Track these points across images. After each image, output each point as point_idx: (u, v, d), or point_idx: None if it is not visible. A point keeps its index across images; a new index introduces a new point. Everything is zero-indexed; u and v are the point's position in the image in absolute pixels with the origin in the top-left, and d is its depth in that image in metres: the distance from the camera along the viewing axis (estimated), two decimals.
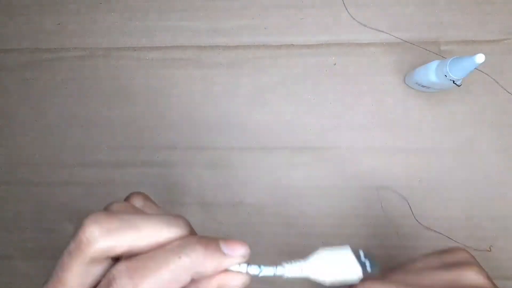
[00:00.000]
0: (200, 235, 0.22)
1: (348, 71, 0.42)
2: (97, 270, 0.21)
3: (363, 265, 0.24)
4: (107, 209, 0.22)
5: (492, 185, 0.40)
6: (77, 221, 0.20)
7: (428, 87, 0.38)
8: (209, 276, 0.21)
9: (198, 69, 0.43)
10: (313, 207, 0.41)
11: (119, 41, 0.43)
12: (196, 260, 0.20)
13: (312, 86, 0.42)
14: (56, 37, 0.44)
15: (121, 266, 0.20)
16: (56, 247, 0.43)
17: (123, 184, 0.43)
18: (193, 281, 0.21)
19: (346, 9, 0.42)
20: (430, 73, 0.36)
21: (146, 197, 0.25)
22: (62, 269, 0.20)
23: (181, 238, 0.21)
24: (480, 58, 0.31)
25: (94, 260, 0.20)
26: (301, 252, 0.41)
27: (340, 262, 0.24)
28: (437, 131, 0.41)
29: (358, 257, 0.24)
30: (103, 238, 0.20)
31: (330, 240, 0.41)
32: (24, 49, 0.44)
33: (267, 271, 0.23)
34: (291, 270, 0.23)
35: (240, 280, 0.22)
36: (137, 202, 0.25)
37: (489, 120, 0.40)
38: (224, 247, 0.22)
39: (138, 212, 0.23)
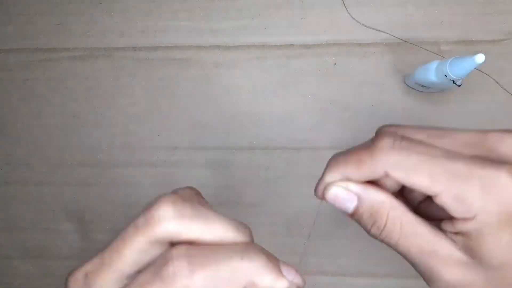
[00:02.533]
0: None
1: (348, 71, 0.42)
2: (153, 252, 0.20)
3: None
4: (176, 194, 0.21)
5: None
6: (146, 206, 0.20)
7: (428, 87, 0.38)
8: None
9: (198, 69, 0.43)
10: (313, 207, 0.41)
11: (119, 41, 0.43)
12: (256, 267, 0.20)
13: (312, 86, 0.42)
14: (56, 37, 0.44)
15: (181, 249, 0.19)
16: (56, 247, 0.43)
17: (123, 184, 0.43)
18: None
19: (346, 9, 0.42)
20: (430, 73, 0.36)
21: (199, 193, 0.25)
22: (123, 241, 0.20)
23: (245, 243, 0.21)
24: (480, 58, 0.31)
25: (158, 241, 0.20)
26: (301, 252, 0.41)
27: None
28: None
29: None
30: (175, 220, 0.20)
31: (331, 240, 0.41)
32: (24, 49, 0.44)
33: None
34: None
35: None
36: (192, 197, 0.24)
37: (489, 120, 0.40)
38: (283, 267, 0.21)
39: (206, 206, 0.22)
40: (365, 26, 0.42)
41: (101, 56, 0.43)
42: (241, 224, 0.22)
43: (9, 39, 0.44)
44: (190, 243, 0.20)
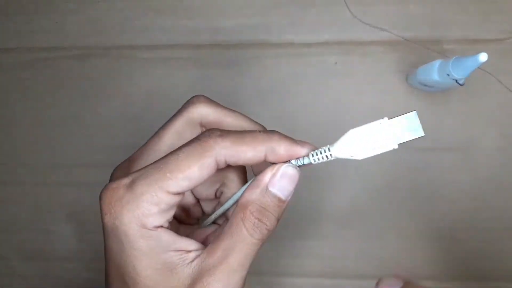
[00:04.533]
0: None
1: (350, 70, 0.41)
2: (187, 135, 0.25)
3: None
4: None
5: (495, 184, 0.39)
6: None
7: (431, 87, 0.38)
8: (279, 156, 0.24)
9: (197, 68, 0.42)
10: (312, 207, 0.40)
11: (117, 40, 0.43)
12: (273, 138, 0.24)
13: (313, 85, 0.41)
14: (54, 36, 0.44)
15: (213, 128, 0.23)
16: (53, 248, 0.43)
17: None
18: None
19: (348, 7, 0.41)
20: (433, 72, 0.35)
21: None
22: (164, 128, 0.26)
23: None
24: (483, 57, 0.30)
25: (192, 122, 0.26)
26: (300, 252, 0.41)
27: (371, 136, 0.24)
28: (440, 130, 0.40)
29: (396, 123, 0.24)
30: (207, 105, 0.26)
31: (330, 240, 0.41)
32: (22, 48, 0.44)
33: (296, 162, 0.25)
34: (319, 157, 0.25)
35: (290, 170, 0.25)
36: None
37: (492, 119, 0.40)
38: (298, 141, 0.25)
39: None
40: (367, 24, 0.41)
41: (99, 55, 0.43)
42: (258, 125, 0.27)
43: (6, 38, 0.44)
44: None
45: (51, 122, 0.43)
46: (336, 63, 0.41)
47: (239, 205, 0.23)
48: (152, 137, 0.26)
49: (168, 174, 0.21)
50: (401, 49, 0.41)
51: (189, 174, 0.21)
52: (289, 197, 0.24)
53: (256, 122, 0.27)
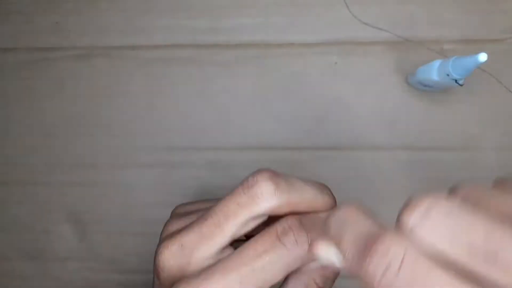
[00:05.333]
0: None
1: (349, 70, 0.41)
2: (254, 224, 0.22)
3: None
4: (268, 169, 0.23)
5: None
6: (253, 175, 0.22)
7: (431, 87, 0.38)
8: None
9: (197, 68, 0.42)
10: None
11: (117, 40, 0.43)
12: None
13: (313, 85, 0.41)
14: (53, 36, 0.44)
15: (295, 220, 0.21)
16: (54, 248, 0.43)
17: (121, 185, 0.42)
18: None
19: (348, 7, 0.41)
20: (432, 72, 0.35)
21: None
22: (226, 217, 0.22)
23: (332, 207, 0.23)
24: (482, 57, 0.30)
25: (260, 215, 0.22)
26: None
27: None
28: (440, 130, 0.40)
29: None
30: (276, 196, 0.21)
31: None
32: (21, 48, 0.44)
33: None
34: None
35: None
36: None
37: (492, 119, 0.40)
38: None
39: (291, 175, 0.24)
40: (367, 24, 0.41)
41: (100, 55, 0.43)
42: (323, 187, 0.24)
43: (6, 38, 0.44)
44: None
45: (51, 122, 0.43)
46: (336, 63, 0.41)
47: (301, 271, 0.22)
48: (209, 223, 0.22)
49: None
50: (401, 49, 0.41)
51: (267, 286, 0.21)
52: None
53: (324, 192, 0.23)
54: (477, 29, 0.40)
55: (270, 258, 0.21)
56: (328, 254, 0.19)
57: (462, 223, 0.15)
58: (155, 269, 0.23)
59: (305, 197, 0.22)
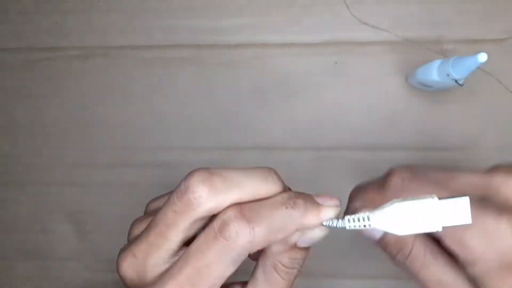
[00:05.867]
0: (295, 191, 0.23)
1: (349, 70, 0.41)
2: (198, 225, 0.22)
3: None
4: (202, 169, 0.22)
5: None
6: (186, 178, 0.21)
7: (431, 86, 0.38)
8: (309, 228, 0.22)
9: (197, 68, 0.42)
10: None
11: (117, 40, 0.43)
12: (299, 211, 0.21)
13: (313, 85, 0.41)
14: (53, 36, 0.44)
15: (234, 211, 0.21)
16: (53, 248, 0.43)
17: (121, 185, 0.42)
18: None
19: (348, 7, 0.41)
20: (432, 72, 0.35)
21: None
22: (167, 226, 0.21)
23: (278, 193, 0.22)
24: (482, 57, 0.30)
25: (201, 218, 0.21)
26: None
27: (415, 213, 0.22)
28: (440, 130, 0.40)
29: (444, 205, 0.21)
30: (211, 198, 0.21)
31: (330, 241, 0.41)
32: (21, 48, 0.44)
33: (329, 223, 0.23)
34: (353, 222, 0.23)
35: (320, 232, 0.23)
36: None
37: (491, 119, 0.40)
38: (317, 198, 0.23)
39: (231, 167, 0.23)
40: (367, 24, 0.41)
41: (99, 55, 0.43)
42: (267, 172, 0.23)
43: (6, 38, 0.44)
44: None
45: (51, 122, 0.43)
46: (336, 63, 0.41)
47: (267, 260, 0.23)
48: (154, 232, 0.22)
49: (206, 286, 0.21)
50: (401, 49, 0.41)
51: (222, 281, 0.21)
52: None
53: (268, 178, 0.23)
54: (477, 29, 0.40)
55: (213, 254, 0.21)
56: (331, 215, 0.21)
57: None
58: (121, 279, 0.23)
59: (246, 190, 0.22)
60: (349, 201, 0.28)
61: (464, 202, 0.21)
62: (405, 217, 0.22)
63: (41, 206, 0.43)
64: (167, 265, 0.22)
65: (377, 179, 0.26)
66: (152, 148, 0.42)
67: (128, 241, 0.25)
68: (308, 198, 0.22)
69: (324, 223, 0.22)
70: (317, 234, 0.23)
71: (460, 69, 0.33)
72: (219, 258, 0.21)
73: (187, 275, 0.21)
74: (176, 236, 0.21)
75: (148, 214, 0.26)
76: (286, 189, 0.23)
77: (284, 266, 0.23)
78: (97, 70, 0.43)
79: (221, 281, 0.21)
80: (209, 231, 0.21)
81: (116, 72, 0.43)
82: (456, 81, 0.34)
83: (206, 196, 0.21)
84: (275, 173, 0.23)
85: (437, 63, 0.35)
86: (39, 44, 0.44)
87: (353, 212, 0.23)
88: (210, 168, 0.22)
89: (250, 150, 0.41)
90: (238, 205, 0.21)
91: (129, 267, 0.22)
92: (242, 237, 0.20)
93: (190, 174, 0.21)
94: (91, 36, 0.43)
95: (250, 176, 0.22)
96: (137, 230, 0.24)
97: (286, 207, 0.21)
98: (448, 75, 0.34)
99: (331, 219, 0.23)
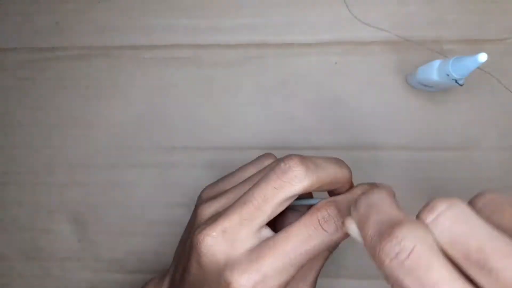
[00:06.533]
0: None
1: (349, 70, 0.41)
2: (287, 203, 0.25)
3: None
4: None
5: (495, 184, 0.39)
6: (280, 159, 0.26)
7: (430, 87, 0.38)
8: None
9: (197, 68, 0.42)
10: None
11: (117, 40, 0.43)
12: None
13: (313, 85, 0.41)
14: (53, 36, 0.44)
15: (334, 208, 0.25)
16: (53, 248, 0.43)
17: (121, 185, 0.42)
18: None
19: (348, 7, 0.41)
20: (432, 72, 0.35)
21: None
22: (265, 200, 0.24)
23: (350, 177, 0.28)
24: (482, 57, 0.30)
25: (294, 195, 0.25)
26: None
27: None
28: (440, 130, 0.40)
29: None
30: (308, 177, 0.24)
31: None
32: (21, 48, 0.44)
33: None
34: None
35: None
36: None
37: (491, 120, 0.40)
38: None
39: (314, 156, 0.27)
40: (367, 24, 0.41)
41: (99, 55, 0.43)
42: (340, 161, 0.28)
43: (6, 38, 0.44)
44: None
45: (51, 122, 0.43)
46: (336, 63, 0.41)
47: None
48: (248, 205, 0.25)
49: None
50: (401, 49, 0.41)
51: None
52: None
53: (341, 165, 0.28)
54: (477, 29, 0.41)
55: (315, 243, 0.24)
56: (353, 231, 0.21)
57: (464, 230, 0.17)
58: (193, 255, 0.24)
59: (330, 172, 0.25)
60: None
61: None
62: None
63: (41, 206, 0.43)
64: (252, 241, 0.24)
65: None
66: (152, 148, 0.42)
67: (197, 225, 0.26)
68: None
69: None
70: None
71: (460, 69, 0.33)
72: (318, 247, 0.24)
73: (290, 256, 0.24)
74: (270, 210, 0.24)
75: (209, 199, 0.28)
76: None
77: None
78: (97, 70, 0.43)
79: (308, 262, 0.25)
80: (311, 221, 0.25)
81: (116, 72, 0.43)
82: (456, 81, 0.34)
83: (303, 175, 0.24)
84: (344, 162, 0.28)
85: (437, 63, 0.35)
86: (39, 44, 0.44)
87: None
88: (301, 155, 0.25)
89: (250, 150, 0.41)
90: (333, 201, 0.25)
91: (215, 242, 0.24)
92: (340, 231, 0.24)
93: (288, 157, 0.25)
94: (91, 36, 0.43)
95: (329, 162, 0.26)
96: (208, 212, 0.26)
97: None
98: (448, 75, 0.34)
99: None
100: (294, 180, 0.24)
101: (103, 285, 0.43)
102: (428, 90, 0.40)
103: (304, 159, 0.25)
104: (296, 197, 0.26)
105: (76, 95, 0.43)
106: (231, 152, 0.42)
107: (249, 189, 0.25)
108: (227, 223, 0.24)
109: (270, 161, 0.30)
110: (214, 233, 0.24)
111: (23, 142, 0.43)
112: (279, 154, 0.41)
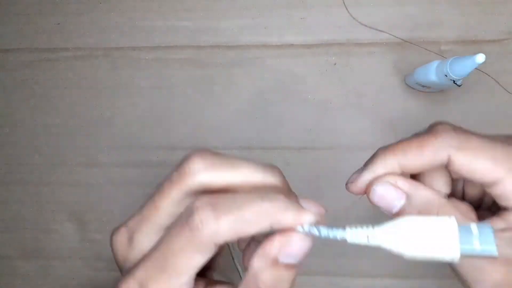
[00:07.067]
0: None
1: (348, 71, 0.41)
2: (187, 203, 0.21)
3: (468, 240, 0.18)
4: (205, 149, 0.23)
5: None
6: (184, 157, 0.23)
7: (429, 87, 0.38)
8: (284, 228, 0.21)
9: (198, 69, 0.43)
10: None
11: (118, 41, 0.43)
12: (277, 207, 0.20)
13: (312, 86, 0.42)
14: (55, 37, 0.44)
15: (204, 199, 0.20)
16: (55, 247, 0.43)
17: (122, 185, 0.42)
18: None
19: (347, 9, 0.42)
20: (430, 73, 0.36)
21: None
22: (160, 196, 0.22)
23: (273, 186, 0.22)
24: (480, 58, 0.30)
25: (191, 191, 0.21)
26: None
27: (428, 234, 0.19)
28: None
29: (465, 230, 0.19)
30: (206, 171, 0.21)
31: (329, 242, 0.41)
32: (23, 49, 0.44)
33: (329, 233, 0.21)
34: (354, 235, 0.21)
35: (305, 243, 0.21)
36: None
37: (489, 120, 0.40)
38: (302, 202, 0.22)
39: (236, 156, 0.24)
40: (365, 26, 0.41)
41: (101, 56, 0.43)
42: (269, 166, 0.23)
43: (8, 39, 0.44)
44: (218, 191, 0.21)
45: (52, 122, 0.43)
46: (335, 64, 0.42)
47: (250, 276, 0.21)
48: (148, 204, 0.23)
49: (172, 274, 0.20)
50: (399, 50, 0.41)
51: (190, 270, 0.21)
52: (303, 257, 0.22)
53: (267, 170, 0.23)
54: (475, 30, 0.41)
55: (180, 242, 0.20)
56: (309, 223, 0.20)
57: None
58: None
59: (241, 172, 0.22)
60: (374, 160, 0.25)
61: (488, 230, 0.19)
62: (416, 236, 0.19)
63: (43, 205, 0.43)
64: (152, 244, 0.22)
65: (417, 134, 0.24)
66: (153, 148, 0.42)
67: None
68: (292, 197, 0.22)
69: (300, 228, 0.20)
70: (298, 245, 0.21)
71: (458, 70, 0.33)
72: (184, 247, 0.20)
73: (156, 260, 0.21)
74: (167, 207, 0.22)
75: None
76: (285, 187, 0.23)
77: (266, 285, 0.21)
78: (98, 71, 0.43)
79: (190, 270, 0.20)
80: (179, 218, 0.21)
81: (117, 73, 0.43)
82: (454, 81, 0.34)
83: (200, 168, 0.21)
84: (279, 170, 0.23)
85: (435, 64, 0.35)
86: (41, 45, 0.44)
87: (374, 179, 0.22)
88: (213, 150, 0.22)
89: (250, 150, 0.42)
90: (211, 193, 0.21)
91: (119, 240, 0.23)
92: (206, 226, 0.20)
93: (194, 149, 0.22)
94: (92, 37, 0.44)
95: (251, 165, 0.22)
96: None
97: (263, 199, 0.20)
98: (446, 75, 0.34)
99: (318, 226, 0.21)
100: (189, 173, 0.21)
101: (103, 284, 0.43)
102: (426, 91, 0.40)
103: (209, 153, 0.22)
104: (199, 193, 0.22)
105: (77, 96, 0.43)
106: (231, 152, 0.42)
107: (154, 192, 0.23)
108: (131, 223, 0.23)
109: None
110: (120, 230, 0.24)
111: (25, 142, 0.44)
112: (279, 154, 0.41)
